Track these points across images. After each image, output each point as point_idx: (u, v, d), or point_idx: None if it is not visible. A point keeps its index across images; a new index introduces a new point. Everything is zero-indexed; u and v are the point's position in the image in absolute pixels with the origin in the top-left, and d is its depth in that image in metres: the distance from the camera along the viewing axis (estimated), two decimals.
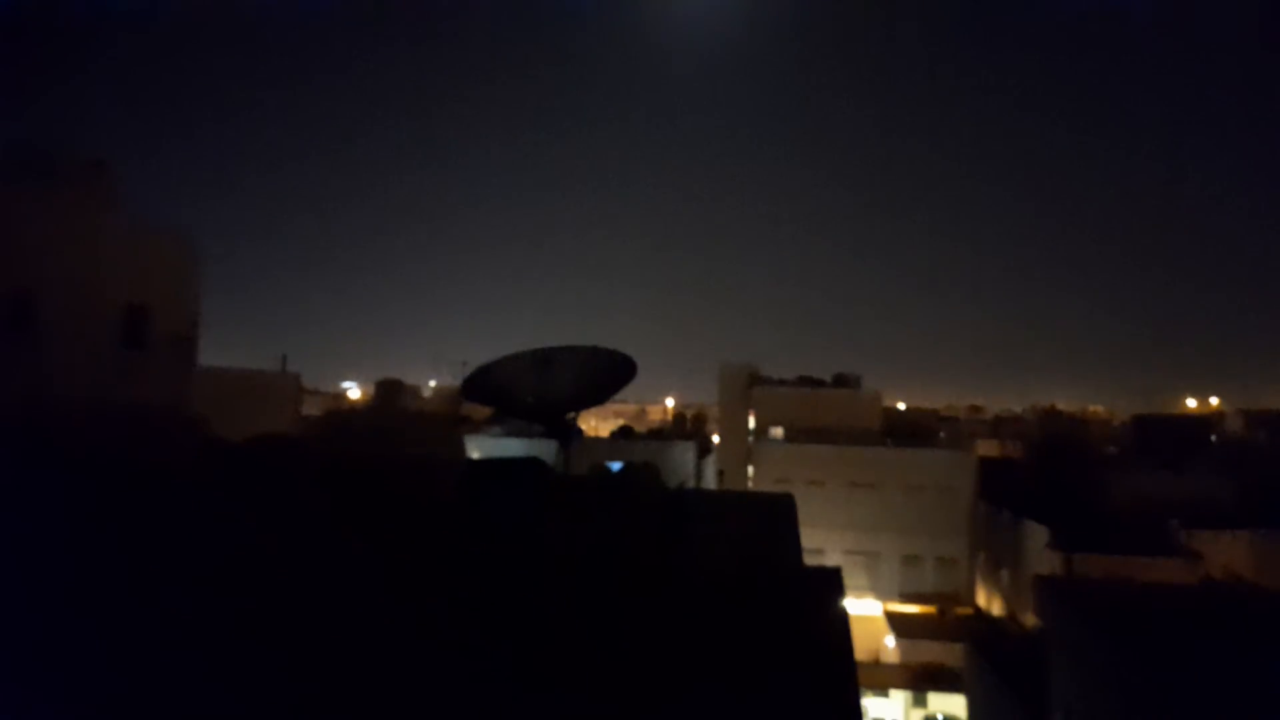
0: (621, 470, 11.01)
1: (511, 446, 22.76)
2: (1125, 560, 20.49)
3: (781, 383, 48.20)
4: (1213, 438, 50.71)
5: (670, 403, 67.55)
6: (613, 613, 4.67)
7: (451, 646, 4.30)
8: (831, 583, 5.70)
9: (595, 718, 3.69)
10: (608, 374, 9.13)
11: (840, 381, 48.59)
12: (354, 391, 52.61)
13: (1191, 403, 74.38)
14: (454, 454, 8.97)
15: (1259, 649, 6.43)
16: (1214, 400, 74.77)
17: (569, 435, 9.19)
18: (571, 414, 9.34)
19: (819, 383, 48.65)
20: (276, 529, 5.12)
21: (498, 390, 8.95)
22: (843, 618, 5.17)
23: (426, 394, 55.38)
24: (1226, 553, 22.98)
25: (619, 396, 10.59)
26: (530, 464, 8.99)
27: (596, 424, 62.50)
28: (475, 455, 17.13)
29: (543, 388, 8.52)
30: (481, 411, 36.18)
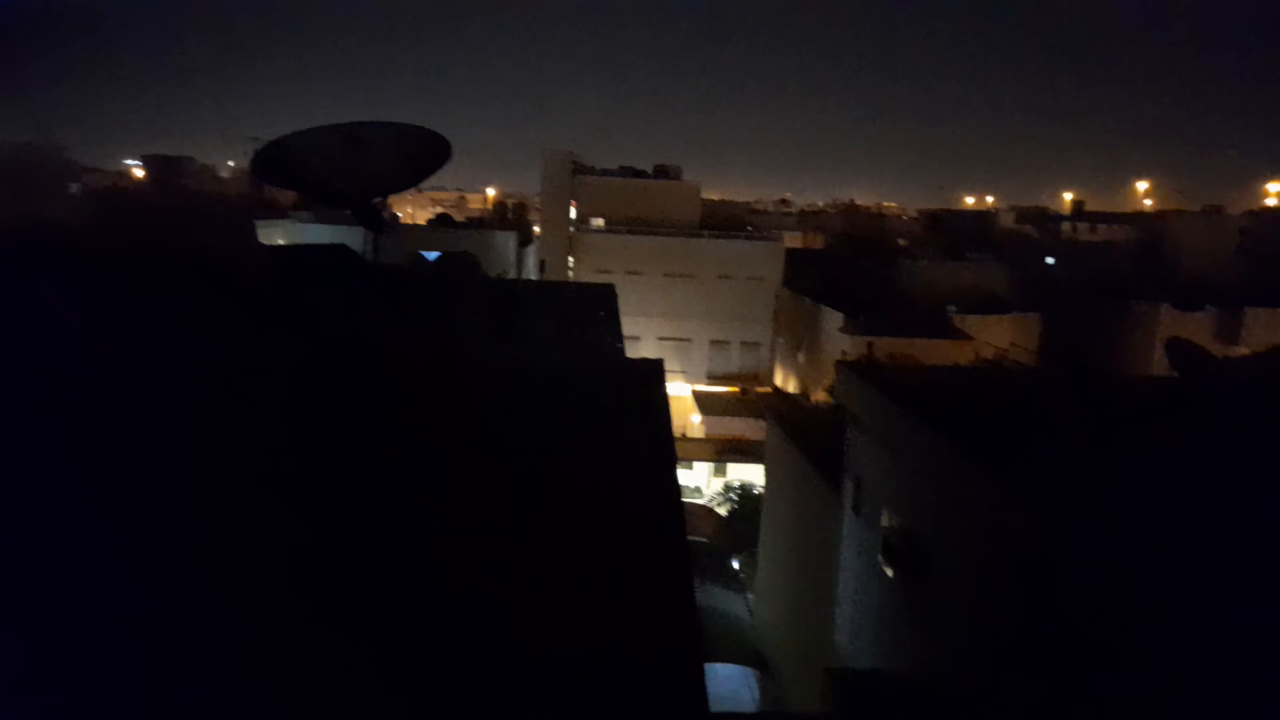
0: (439, 259, 10.53)
1: (316, 233, 21.20)
2: (910, 342, 22.62)
3: (605, 173, 47.54)
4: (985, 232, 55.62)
5: (491, 192, 65.17)
6: (442, 410, 4.50)
7: (265, 449, 4.01)
8: (654, 373, 5.78)
9: (427, 521, 3.59)
10: (420, 155, 8.41)
11: (661, 173, 48.52)
12: (139, 170, 45.98)
13: (970, 200, 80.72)
14: (249, 242, 8.16)
15: (1006, 412, 7.41)
16: (989, 199, 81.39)
17: (379, 221, 8.55)
18: (380, 198, 8.65)
19: (640, 173, 48.39)
20: (41, 330, 4.47)
21: (296, 169, 8.05)
22: (664, 407, 5.28)
23: (224, 174, 49.95)
24: (995, 334, 25.91)
25: (437, 184, 9.96)
26: (337, 250, 8.36)
27: (414, 211, 59.62)
28: (278, 243, 15.84)
29: (348, 167, 7.75)
30: (288, 196, 33.38)
